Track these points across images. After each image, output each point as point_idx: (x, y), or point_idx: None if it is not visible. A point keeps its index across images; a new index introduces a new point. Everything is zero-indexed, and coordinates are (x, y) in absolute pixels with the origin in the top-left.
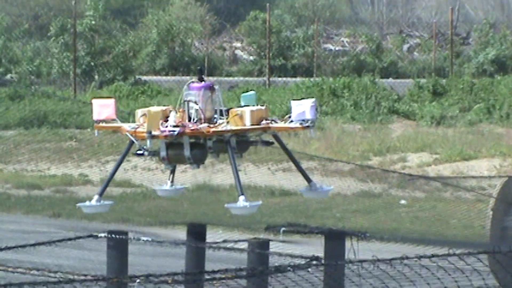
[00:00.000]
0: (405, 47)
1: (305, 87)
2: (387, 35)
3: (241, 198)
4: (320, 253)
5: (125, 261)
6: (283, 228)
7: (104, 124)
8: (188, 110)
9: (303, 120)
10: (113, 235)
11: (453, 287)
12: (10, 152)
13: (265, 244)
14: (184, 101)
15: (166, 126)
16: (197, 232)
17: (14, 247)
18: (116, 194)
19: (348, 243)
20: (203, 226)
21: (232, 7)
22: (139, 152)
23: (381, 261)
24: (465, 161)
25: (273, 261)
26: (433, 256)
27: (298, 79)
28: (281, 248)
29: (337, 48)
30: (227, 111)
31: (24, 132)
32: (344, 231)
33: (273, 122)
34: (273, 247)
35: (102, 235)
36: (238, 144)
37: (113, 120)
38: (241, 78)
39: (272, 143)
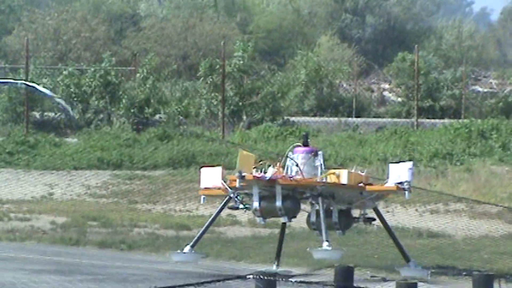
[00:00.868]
0: None
1: (453, 129)
2: None
3: (325, 244)
4: None
5: None
6: (431, 270)
7: (208, 191)
8: (288, 170)
9: (400, 183)
10: (261, 276)
11: None
12: (158, 192)
13: (413, 285)
14: (286, 162)
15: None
16: (345, 273)
17: None
18: (264, 235)
19: (496, 286)
20: (350, 268)
21: (379, 48)
22: (233, 206)
23: None
24: None
25: None
26: None
27: (446, 120)
28: None
29: (485, 90)
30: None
31: (173, 172)
32: (492, 273)
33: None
34: None
35: (250, 276)
36: (340, 221)
37: (219, 188)
38: (389, 119)
39: (374, 219)
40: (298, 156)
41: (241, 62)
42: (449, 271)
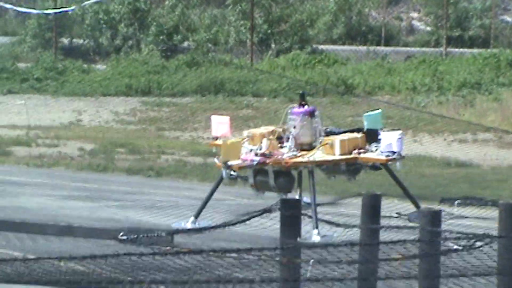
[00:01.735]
0: None
1: (482, 58)
2: None
3: (315, 232)
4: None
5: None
6: (457, 201)
7: (217, 141)
8: (287, 136)
9: (390, 152)
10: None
11: None
12: (187, 119)
13: (437, 214)
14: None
15: (251, 150)
16: (371, 203)
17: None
18: None
19: None
20: (377, 196)
21: None
22: (232, 176)
23: None
24: None
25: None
26: None
27: (475, 50)
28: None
29: None
30: (328, 134)
31: (201, 99)
32: None
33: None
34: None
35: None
36: (348, 169)
37: (227, 137)
38: (418, 49)
39: (381, 168)
40: (295, 118)
41: None
42: (476, 202)
